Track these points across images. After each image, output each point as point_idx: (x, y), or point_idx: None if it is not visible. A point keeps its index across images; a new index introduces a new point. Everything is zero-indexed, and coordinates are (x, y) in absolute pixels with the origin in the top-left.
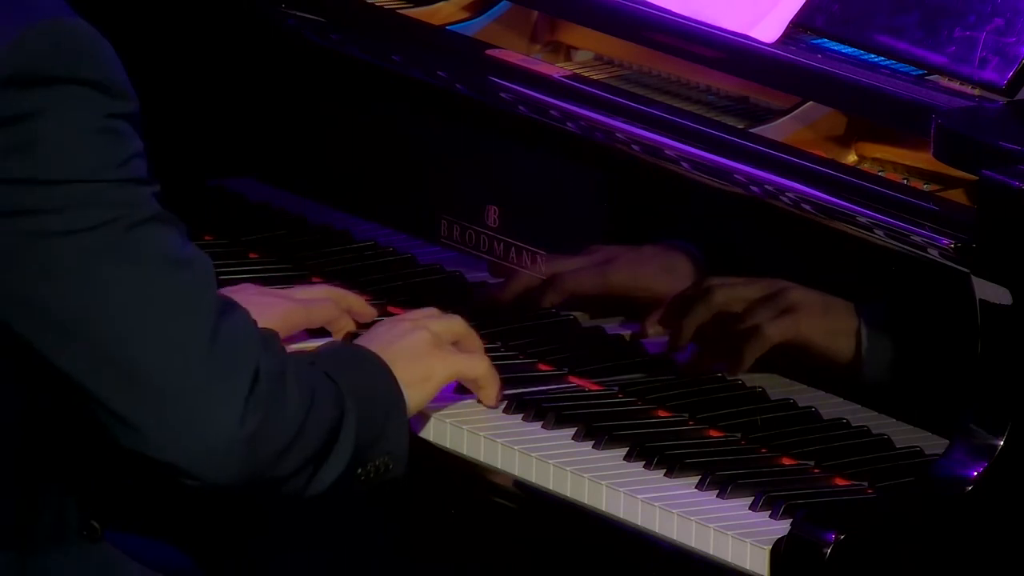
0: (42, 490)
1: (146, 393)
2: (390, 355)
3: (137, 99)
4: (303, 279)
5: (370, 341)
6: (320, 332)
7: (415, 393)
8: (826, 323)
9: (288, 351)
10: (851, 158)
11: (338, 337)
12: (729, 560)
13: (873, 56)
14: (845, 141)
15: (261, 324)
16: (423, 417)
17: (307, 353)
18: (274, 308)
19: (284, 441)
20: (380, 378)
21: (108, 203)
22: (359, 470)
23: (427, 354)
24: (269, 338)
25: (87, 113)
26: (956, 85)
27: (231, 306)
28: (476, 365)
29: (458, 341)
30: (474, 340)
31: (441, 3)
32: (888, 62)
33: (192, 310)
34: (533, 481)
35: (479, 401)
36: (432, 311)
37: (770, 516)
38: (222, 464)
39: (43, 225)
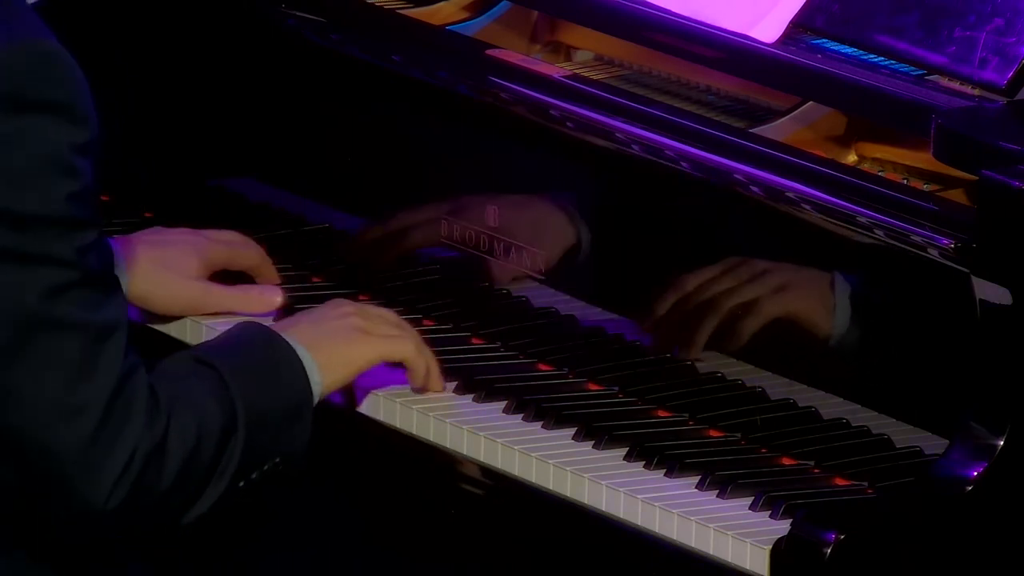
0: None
1: (32, 455)
2: (312, 337)
3: (97, 124)
4: (303, 279)
5: (296, 322)
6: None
7: (330, 376)
8: (806, 303)
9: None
10: (851, 158)
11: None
12: (729, 560)
13: (873, 56)
14: (845, 141)
15: (184, 262)
16: (424, 417)
17: (215, 345)
18: (197, 246)
19: (156, 499)
20: (288, 381)
21: (45, 255)
22: (241, 483)
23: (351, 339)
24: (158, 395)
25: (53, 142)
26: (956, 85)
27: (132, 374)
28: (402, 348)
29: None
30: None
31: (441, 3)
32: (888, 62)
33: (92, 383)
34: (533, 481)
35: (412, 387)
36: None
37: (770, 516)
38: (94, 526)
39: None
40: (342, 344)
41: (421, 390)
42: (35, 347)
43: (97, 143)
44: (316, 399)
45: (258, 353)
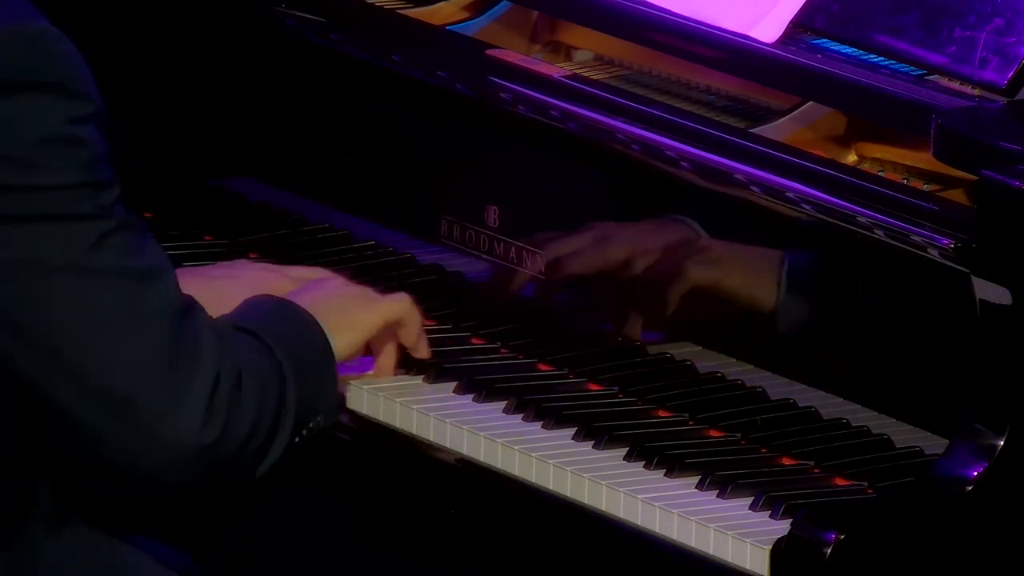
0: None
1: (107, 404)
2: (316, 306)
3: (100, 99)
4: None
5: (298, 295)
6: None
7: (342, 340)
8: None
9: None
10: (851, 158)
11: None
12: (729, 560)
13: (873, 56)
14: (845, 141)
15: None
16: (424, 417)
17: (239, 315)
18: (269, 284)
19: (241, 440)
20: (312, 338)
21: (71, 214)
22: (296, 439)
23: (354, 305)
24: (223, 333)
25: (52, 120)
26: (956, 85)
27: (190, 310)
28: (400, 306)
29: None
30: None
31: (441, 3)
32: (888, 62)
33: (153, 322)
34: (533, 481)
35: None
36: (313, 272)
37: (770, 516)
38: (183, 471)
39: (6, 235)
40: (348, 311)
41: (410, 351)
42: (87, 301)
43: (103, 114)
44: (337, 361)
45: (281, 317)
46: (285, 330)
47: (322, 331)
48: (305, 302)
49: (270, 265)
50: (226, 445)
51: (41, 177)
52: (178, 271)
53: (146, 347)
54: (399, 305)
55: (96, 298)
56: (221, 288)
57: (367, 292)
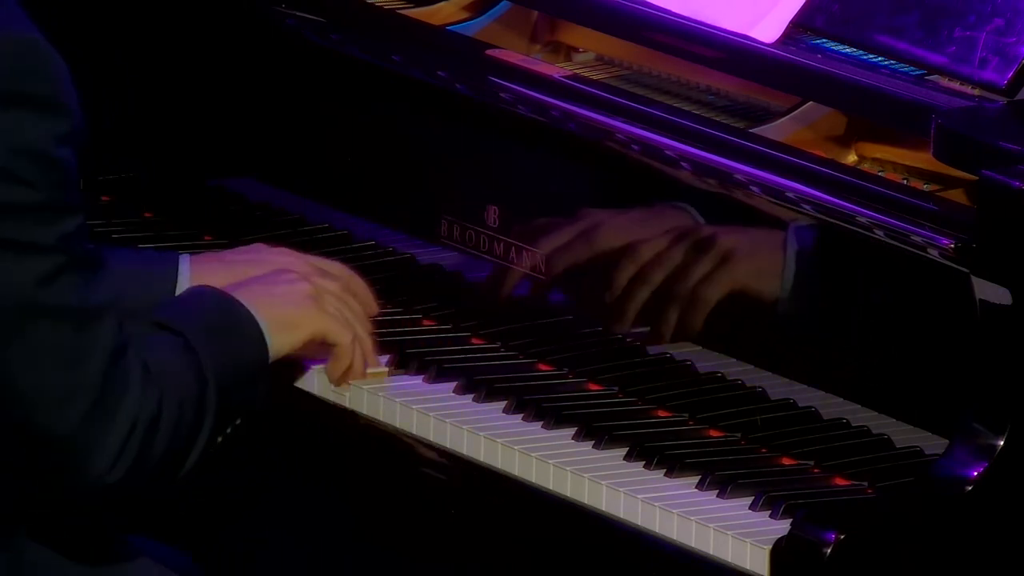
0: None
1: (31, 435)
2: (262, 298)
3: (81, 118)
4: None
5: (249, 283)
6: None
7: (278, 339)
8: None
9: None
10: (851, 158)
11: None
12: (729, 560)
13: (873, 56)
14: (845, 141)
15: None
16: (424, 417)
17: (176, 309)
18: (288, 267)
19: (150, 470)
20: (247, 341)
21: (31, 243)
22: (218, 438)
23: (300, 304)
24: (149, 370)
25: (30, 134)
26: (956, 85)
27: (124, 350)
28: (342, 333)
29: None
30: (360, 304)
31: (441, 3)
32: (888, 62)
33: (86, 363)
34: (533, 481)
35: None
36: (330, 264)
37: (770, 516)
38: (94, 499)
39: None
40: (291, 308)
41: (338, 379)
42: (29, 334)
43: (81, 133)
44: (270, 359)
45: (215, 315)
46: (218, 331)
47: (260, 331)
48: (247, 293)
49: (287, 249)
50: (134, 478)
51: (7, 193)
52: (197, 255)
53: (74, 387)
54: (339, 333)
55: (35, 333)
56: (240, 273)
57: (319, 296)
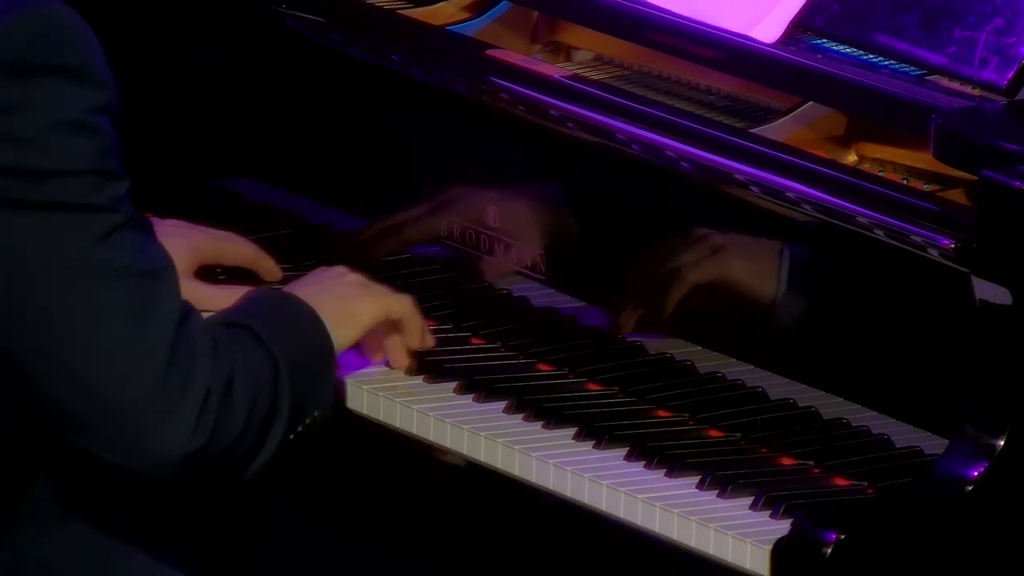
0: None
1: (97, 403)
2: (316, 295)
3: (115, 86)
4: None
5: (298, 285)
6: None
7: (342, 332)
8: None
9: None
10: (851, 158)
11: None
12: (729, 560)
13: (873, 56)
14: (845, 141)
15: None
16: (424, 417)
17: (236, 310)
18: (189, 238)
19: (229, 443)
20: (311, 333)
21: (82, 204)
22: (291, 435)
23: (355, 294)
24: (217, 339)
25: (68, 105)
26: (956, 85)
27: (188, 316)
28: (403, 305)
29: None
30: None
31: (441, 3)
32: (888, 62)
33: (152, 325)
34: (533, 481)
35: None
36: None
37: (770, 516)
38: (169, 473)
39: (12, 221)
40: (348, 300)
41: (420, 342)
42: (92, 294)
43: (116, 105)
44: (336, 353)
45: (278, 311)
46: (283, 324)
47: (322, 323)
48: (305, 294)
49: (189, 224)
50: (213, 450)
51: (53, 162)
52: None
53: (142, 352)
54: (400, 304)
55: (98, 292)
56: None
57: (368, 283)
